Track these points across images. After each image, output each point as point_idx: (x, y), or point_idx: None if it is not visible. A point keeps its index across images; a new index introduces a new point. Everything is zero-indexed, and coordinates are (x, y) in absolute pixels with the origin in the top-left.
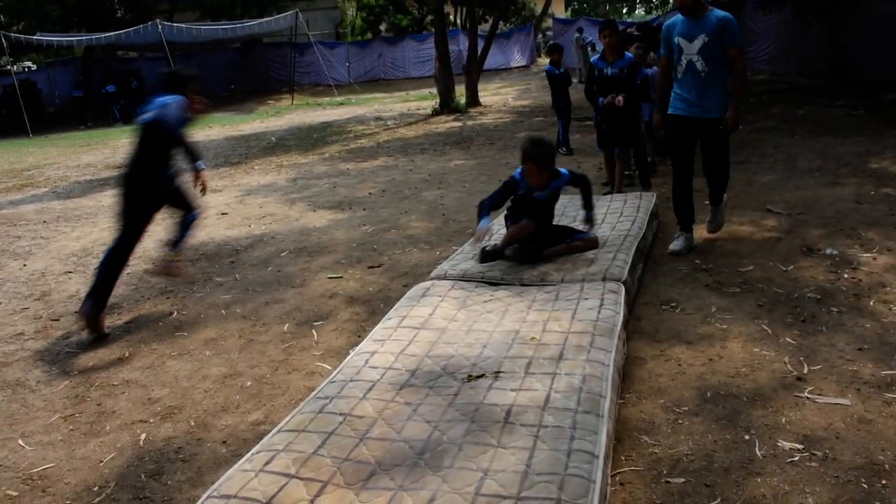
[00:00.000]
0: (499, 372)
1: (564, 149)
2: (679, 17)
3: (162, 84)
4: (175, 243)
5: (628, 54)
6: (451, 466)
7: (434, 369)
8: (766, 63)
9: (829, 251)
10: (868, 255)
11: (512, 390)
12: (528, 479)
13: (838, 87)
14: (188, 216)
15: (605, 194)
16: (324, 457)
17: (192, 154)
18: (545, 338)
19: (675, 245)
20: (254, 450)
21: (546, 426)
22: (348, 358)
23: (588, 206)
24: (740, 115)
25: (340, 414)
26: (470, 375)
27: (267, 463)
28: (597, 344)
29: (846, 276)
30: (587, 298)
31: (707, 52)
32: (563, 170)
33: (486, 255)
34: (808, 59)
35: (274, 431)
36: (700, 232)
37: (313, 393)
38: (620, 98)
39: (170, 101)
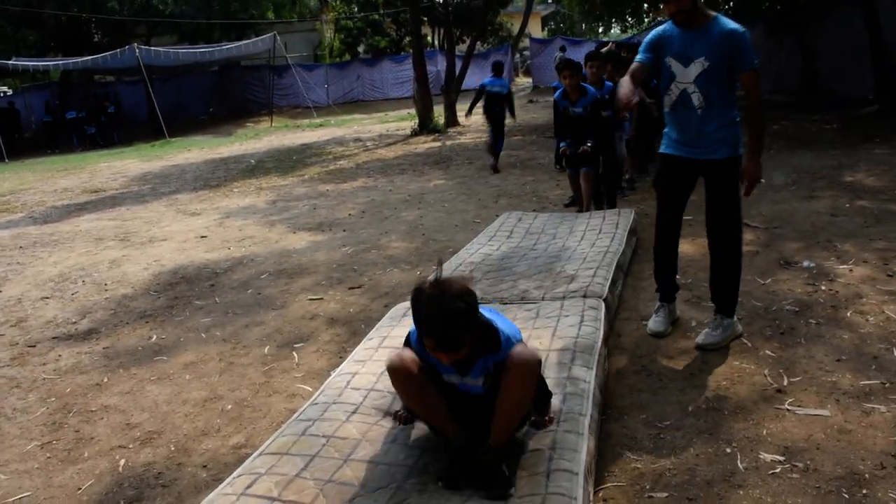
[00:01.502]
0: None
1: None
2: (673, 27)
3: None
4: None
5: (591, 90)
6: (435, 490)
7: None
8: None
9: (806, 264)
10: (844, 266)
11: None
12: (510, 501)
13: (812, 102)
14: None
15: (566, 206)
16: (307, 479)
17: None
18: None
19: (655, 324)
20: (235, 473)
21: (525, 452)
22: (329, 379)
23: None
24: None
25: (324, 436)
26: None
27: (248, 486)
28: (577, 361)
29: (823, 288)
30: (567, 315)
31: (707, 83)
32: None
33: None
34: (783, 75)
35: (256, 454)
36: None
37: (295, 415)
38: (588, 147)
39: None
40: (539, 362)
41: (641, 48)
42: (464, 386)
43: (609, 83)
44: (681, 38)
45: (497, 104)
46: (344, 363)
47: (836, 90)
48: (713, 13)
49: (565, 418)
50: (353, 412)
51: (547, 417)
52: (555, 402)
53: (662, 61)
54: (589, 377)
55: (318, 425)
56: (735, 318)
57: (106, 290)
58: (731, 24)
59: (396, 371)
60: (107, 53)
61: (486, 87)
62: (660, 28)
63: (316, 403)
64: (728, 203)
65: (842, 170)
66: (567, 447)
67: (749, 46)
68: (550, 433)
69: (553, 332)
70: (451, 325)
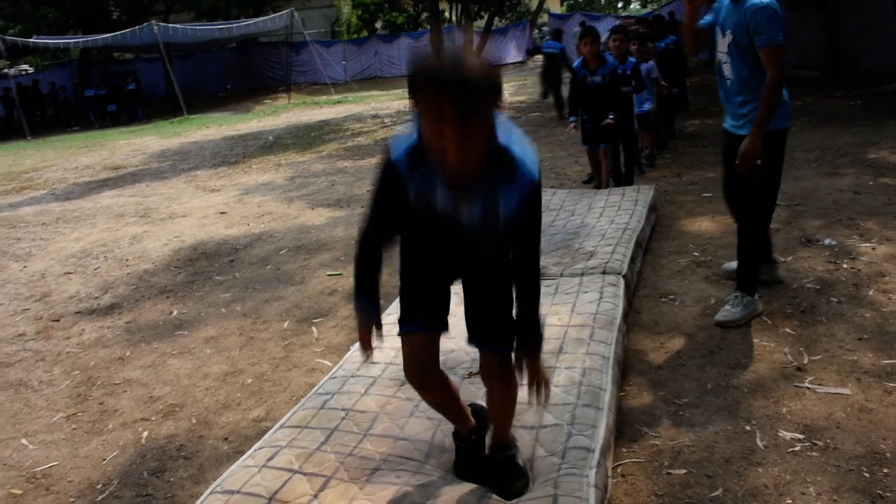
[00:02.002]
0: None
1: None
2: None
3: None
4: None
5: (610, 60)
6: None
7: None
8: None
9: (827, 241)
10: (867, 245)
11: None
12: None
13: (836, 78)
14: None
15: (584, 182)
16: (327, 452)
17: None
18: (545, 332)
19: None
20: (256, 446)
21: (545, 426)
22: (348, 353)
23: None
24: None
25: (343, 409)
26: (471, 372)
27: (270, 458)
28: (596, 337)
29: (845, 266)
30: (586, 292)
31: (733, 56)
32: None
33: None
34: (806, 50)
35: (276, 427)
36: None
37: (314, 389)
38: (611, 119)
39: None
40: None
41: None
42: (461, 218)
43: (632, 59)
44: (724, 9)
45: (553, 63)
46: None
47: (860, 66)
48: None
49: (585, 392)
50: (371, 384)
51: (529, 362)
52: (574, 375)
53: (716, 24)
54: (608, 353)
55: (338, 398)
56: (756, 296)
57: (127, 266)
58: (758, 0)
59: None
60: (125, 31)
61: (544, 49)
62: None
63: (335, 377)
64: (744, 180)
65: (865, 147)
66: (586, 422)
67: (770, 22)
68: (570, 408)
69: (572, 308)
70: (472, 84)
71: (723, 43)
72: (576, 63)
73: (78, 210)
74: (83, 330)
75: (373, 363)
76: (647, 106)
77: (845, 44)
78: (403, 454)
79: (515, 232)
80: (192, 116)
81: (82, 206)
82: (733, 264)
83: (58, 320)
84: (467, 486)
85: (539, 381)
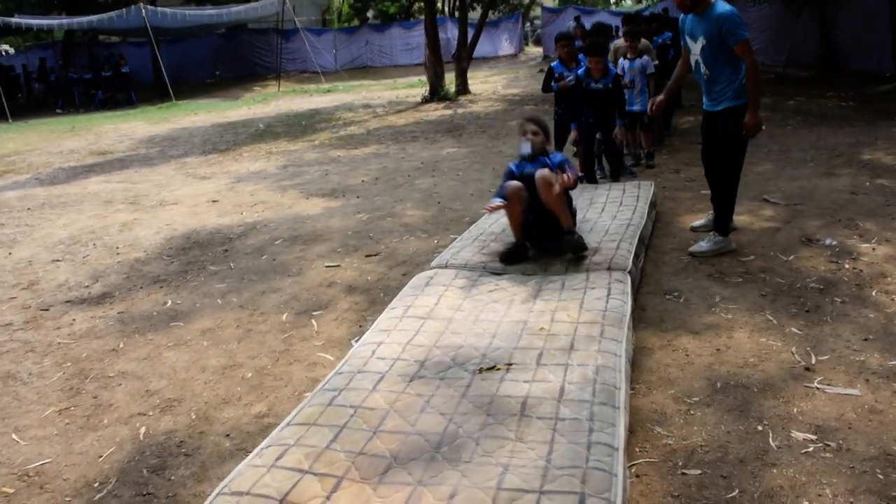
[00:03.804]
0: (510, 363)
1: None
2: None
3: None
4: None
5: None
6: (469, 461)
7: (443, 360)
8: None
9: (828, 241)
10: (867, 245)
11: (525, 382)
12: (549, 474)
13: (829, 78)
14: None
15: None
16: (337, 451)
17: None
18: (554, 328)
19: (697, 221)
20: (263, 444)
21: (563, 419)
22: (354, 348)
23: None
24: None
25: (351, 406)
26: (481, 368)
27: (279, 458)
28: (607, 334)
29: (847, 266)
30: (594, 288)
31: (707, 56)
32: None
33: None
34: (799, 49)
35: (283, 425)
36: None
37: (320, 385)
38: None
39: None
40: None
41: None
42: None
43: (612, 69)
44: (692, 20)
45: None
46: (367, 332)
47: (853, 66)
48: (711, 0)
49: (600, 390)
50: (380, 381)
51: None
52: (588, 372)
53: (684, 37)
54: (619, 351)
55: (345, 395)
56: (729, 237)
57: (118, 254)
58: (721, 9)
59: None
60: (112, 13)
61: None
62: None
63: (341, 373)
64: (726, 140)
65: (860, 147)
66: (605, 420)
67: (736, 23)
68: (587, 405)
69: (580, 305)
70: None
71: (696, 47)
72: (555, 64)
73: (64, 195)
74: (74, 320)
75: (380, 359)
76: (636, 107)
77: (837, 44)
78: (415, 449)
79: None
80: (180, 102)
81: (69, 192)
82: (698, 222)
83: (47, 309)
84: (481, 486)
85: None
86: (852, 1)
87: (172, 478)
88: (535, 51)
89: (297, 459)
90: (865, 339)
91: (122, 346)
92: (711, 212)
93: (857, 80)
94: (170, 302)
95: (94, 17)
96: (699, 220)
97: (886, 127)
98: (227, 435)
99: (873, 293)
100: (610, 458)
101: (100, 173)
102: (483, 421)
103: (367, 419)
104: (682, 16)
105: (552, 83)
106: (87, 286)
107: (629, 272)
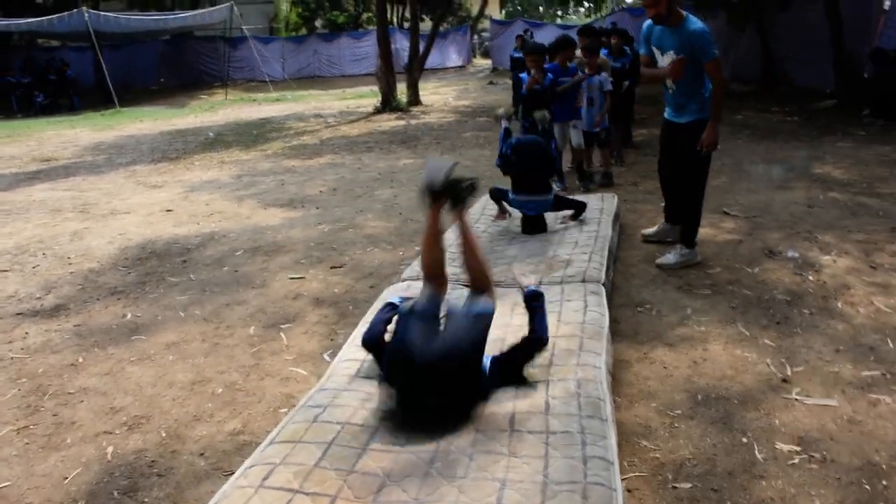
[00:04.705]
0: None
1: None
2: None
3: None
4: None
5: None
6: (465, 476)
7: None
8: None
9: (790, 254)
10: (828, 257)
11: (508, 400)
12: (548, 489)
13: (772, 93)
14: None
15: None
16: (327, 469)
17: None
18: None
19: (649, 230)
20: (246, 463)
21: (554, 432)
22: (334, 363)
23: None
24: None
25: (337, 423)
26: None
27: (265, 478)
28: (586, 347)
29: (811, 278)
30: (570, 300)
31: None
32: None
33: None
34: (743, 65)
35: (266, 443)
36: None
37: (303, 401)
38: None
39: None
40: None
41: (641, 41)
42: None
43: (550, 75)
44: (660, 33)
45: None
46: (345, 347)
47: (795, 81)
48: (684, 13)
49: (585, 403)
50: (367, 399)
51: None
52: (570, 386)
53: (651, 46)
54: (599, 363)
55: (331, 412)
56: (695, 249)
57: (70, 264)
58: (695, 25)
59: None
60: (53, 16)
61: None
62: (647, 21)
63: (325, 389)
64: (689, 162)
65: (810, 162)
66: (596, 433)
67: (708, 41)
68: (575, 418)
69: (558, 318)
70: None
71: (663, 60)
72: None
73: (7, 203)
74: (27, 333)
75: (367, 378)
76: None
77: (779, 59)
78: (408, 466)
79: None
80: (124, 109)
81: (12, 199)
82: (650, 230)
83: None
84: (480, 502)
85: None
86: (793, 17)
87: (146, 500)
88: (483, 63)
89: (285, 479)
90: (837, 350)
91: (81, 360)
92: (663, 220)
93: (801, 96)
94: (129, 314)
95: (33, 20)
96: (651, 229)
97: (831, 142)
98: (202, 454)
99: (839, 304)
100: (607, 472)
101: (45, 180)
102: (474, 437)
103: (356, 435)
104: (645, 24)
105: (521, 90)
106: (39, 298)
107: (603, 284)
